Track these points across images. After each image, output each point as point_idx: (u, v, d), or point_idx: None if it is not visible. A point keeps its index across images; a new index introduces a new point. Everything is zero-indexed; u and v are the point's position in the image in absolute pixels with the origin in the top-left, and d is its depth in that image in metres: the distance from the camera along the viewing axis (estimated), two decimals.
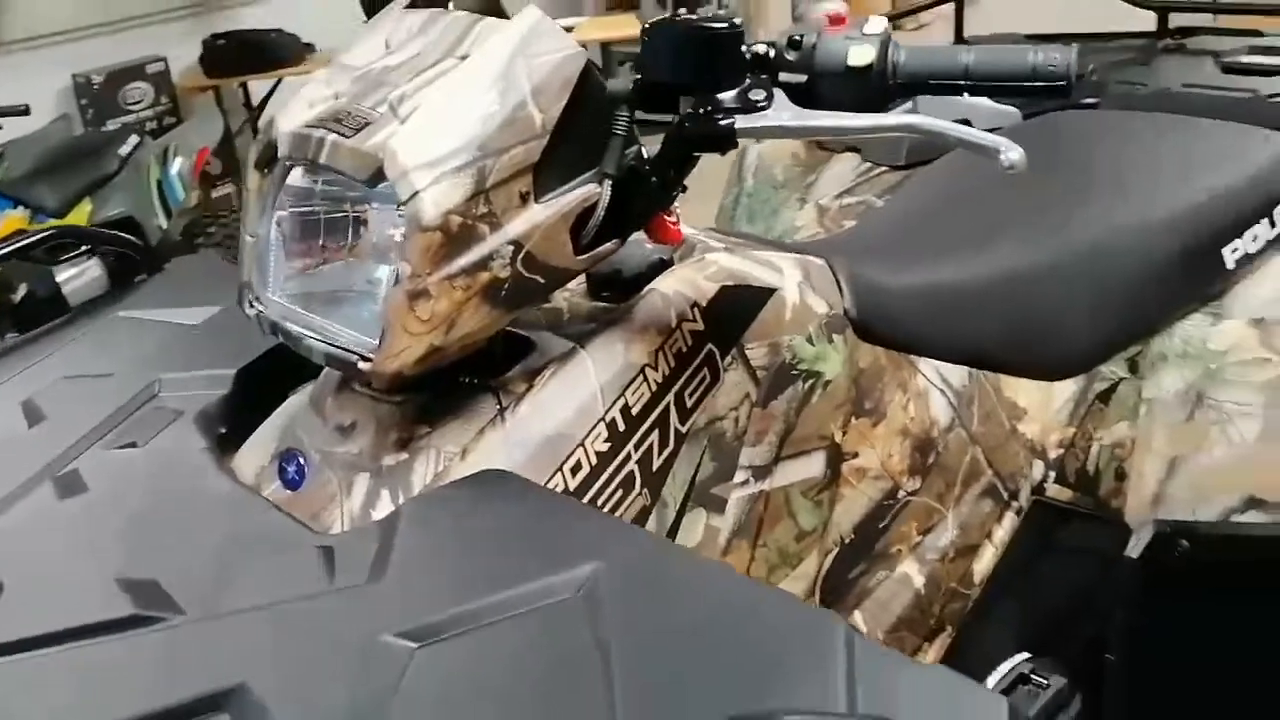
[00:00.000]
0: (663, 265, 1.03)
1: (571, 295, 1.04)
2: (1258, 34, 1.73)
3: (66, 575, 0.80)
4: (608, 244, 0.90)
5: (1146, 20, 1.74)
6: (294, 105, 0.90)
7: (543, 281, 0.87)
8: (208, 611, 0.74)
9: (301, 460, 0.93)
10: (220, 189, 4.11)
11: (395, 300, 0.82)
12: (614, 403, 0.92)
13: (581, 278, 1.01)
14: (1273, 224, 1.29)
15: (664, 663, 0.63)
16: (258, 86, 4.54)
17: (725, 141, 0.83)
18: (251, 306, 0.93)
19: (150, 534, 0.84)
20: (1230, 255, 1.26)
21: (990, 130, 0.82)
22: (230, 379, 1.03)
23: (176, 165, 3.55)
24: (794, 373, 1.01)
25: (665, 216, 0.97)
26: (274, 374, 1.04)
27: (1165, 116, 1.48)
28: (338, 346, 0.87)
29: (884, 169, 1.65)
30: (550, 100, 0.83)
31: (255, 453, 0.96)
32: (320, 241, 0.91)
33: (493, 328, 0.88)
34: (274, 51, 4.41)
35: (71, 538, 0.85)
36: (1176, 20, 1.76)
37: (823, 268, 1.08)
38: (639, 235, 0.98)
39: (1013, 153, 0.75)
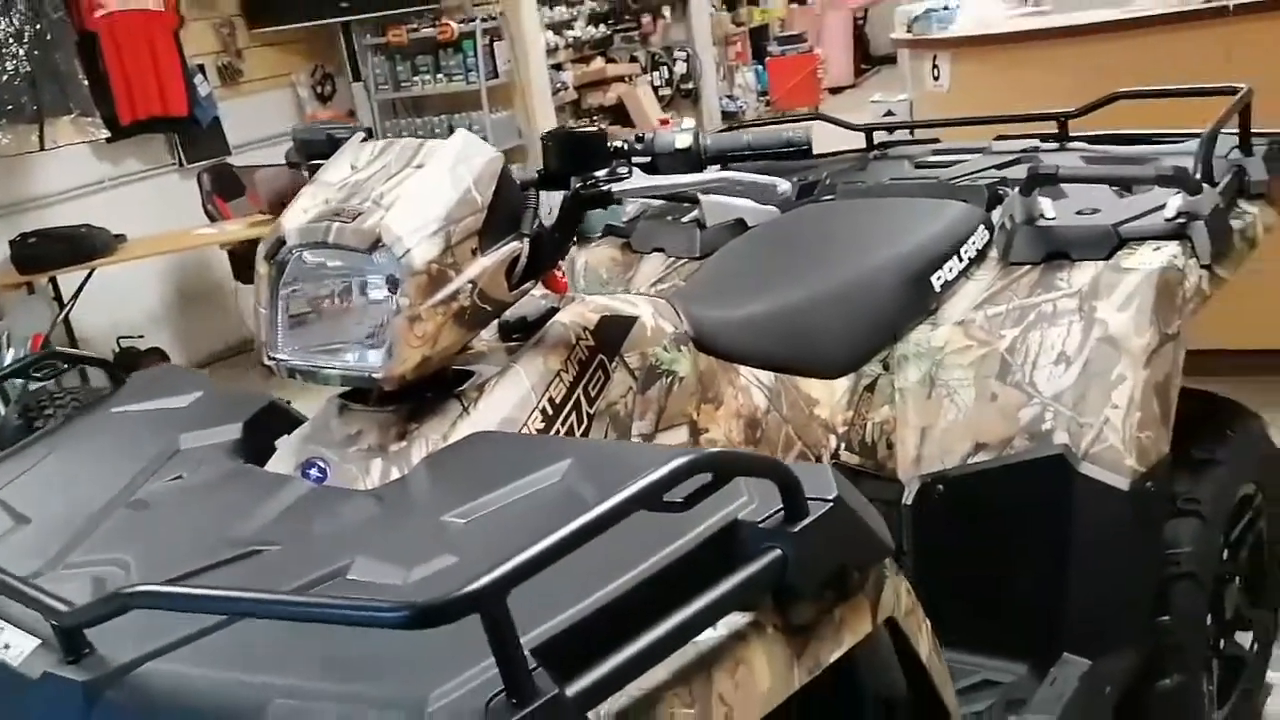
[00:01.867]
0: (552, 311, 1.44)
1: (490, 340, 1.44)
2: (938, 141, 2.38)
3: (180, 547, 1.10)
4: (528, 283, 1.32)
5: (860, 139, 2.37)
6: (293, 211, 1.29)
7: (490, 309, 1.28)
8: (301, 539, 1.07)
9: (322, 464, 1.26)
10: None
11: (399, 324, 1.20)
12: (542, 396, 1.32)
13: (494, 326, 1.41)
14: (960, 259, 1.84)
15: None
16: (69, 279, 4.70)
17: (606, 199, 1.28)
18: (270, 359, 1.28)
19: (224, 513, 1.15)
20: (936, 282, 1.80)
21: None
22: (239, 428, 1.35)
23: (9, 355, 3.68)
24: (659, 371, 1.44)
25: (556, 272, 1.41)
26: (271, 427, 1.37)
27: (882, 200, 2.06)
28: (350, 371, 1.23)
29: (685, 260, 2.14)
30: (485, 186, 1.26)
31: (280, 466, 1.29)
32: (319, 305, 1.28)
33: (461, 343, 1.27)
34: (85, 244, 4.60)
35: (168, 528, 1.15)
36: (880, 137, 2.39)
37: (666, 304, 1.53)
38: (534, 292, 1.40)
39: (783, 185, 1.23)
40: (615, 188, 1.27)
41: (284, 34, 5.92)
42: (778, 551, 0.91)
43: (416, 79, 6.33)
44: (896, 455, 1.77)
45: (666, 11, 8.16)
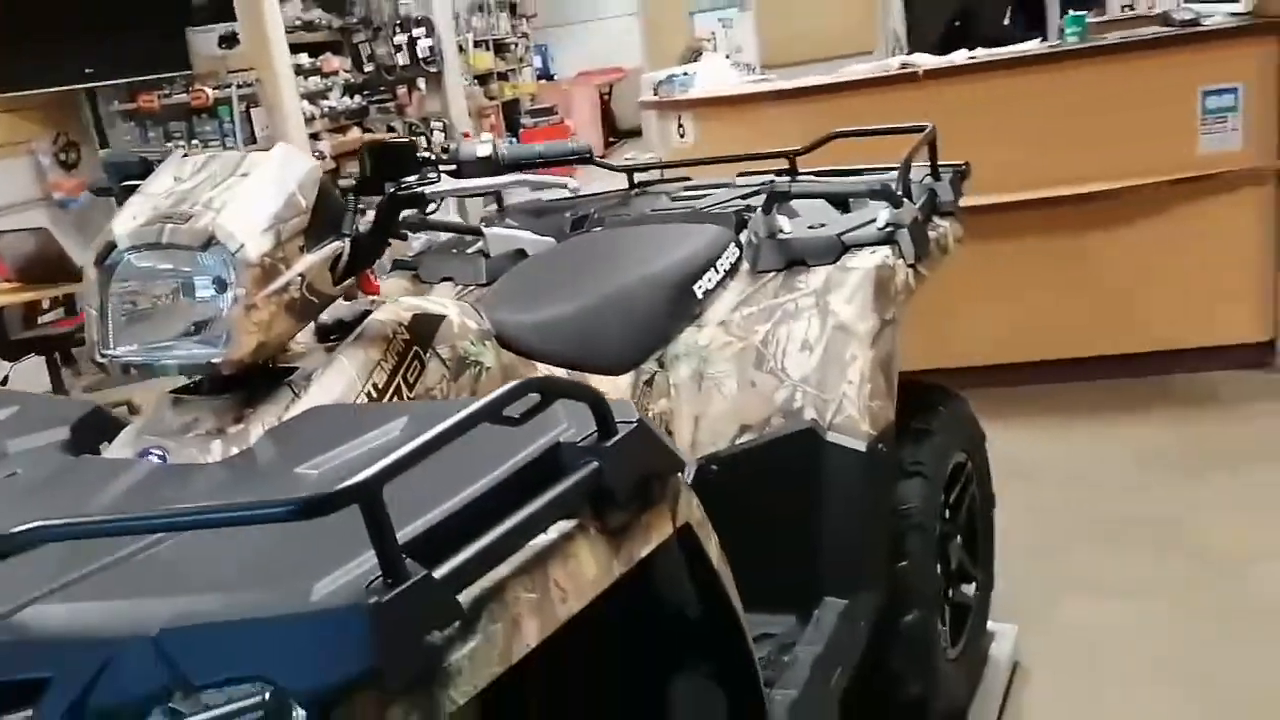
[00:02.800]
0: (366, 312, 1.59)
1: (308, 342, 1.57)
2: (689, 179, 2.71)
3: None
4: (350, 279, 1.47)
5: (623, 179, 2.67)
6: (121, 219, 1.38)
7: (317, 302, 1.42)
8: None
9: (159, 451, 1.35)
10: None
11: (236, 312, 1.32)
12: (366, 381, 1.47)
13: (311, 329, 1.54)
14: (717, 271, 2.13)
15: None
16: None
17: (420, 199, 1.45)
18: (102, 356, 1.36)
19: (72, 497, 1.22)
20: (699, 290, 2.07)
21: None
22: (67, 430, 1.41)
23: None
24: (468, 362, 1.61)
25: (370, 275, 1.56)
26: (97, 431, 1.43)
27: (647, 226, 2.33)
28: (187, 360, 1.34)
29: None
30: (308, 191, 1.40)
31: (116, 454, 1.36)
32: (152, 303, 1.38)
33: (292, 333, 1.40)
34: None
35: (13, 518, 1.20)
36: (640, 177, 2.70)
37: (469, 307, 1.71)
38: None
39: (573, 181, 1.46)
40: (428, 189, 1.45)
41: (22, 100, 5.67)
42: (595, 464, 1.11)
43: (170, 145, 6.20)
44: (676, 442, 2.01)
45: (422, 84, 8.34)
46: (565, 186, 1.46)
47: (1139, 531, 3.03)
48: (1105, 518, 3.12)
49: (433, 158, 1.47)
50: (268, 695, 0.85)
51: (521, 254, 2.27)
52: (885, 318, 1.95)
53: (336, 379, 1.44)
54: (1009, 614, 2.58)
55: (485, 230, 2.34)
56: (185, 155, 1.48)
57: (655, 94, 4.28)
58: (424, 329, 1.58)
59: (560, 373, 1.83)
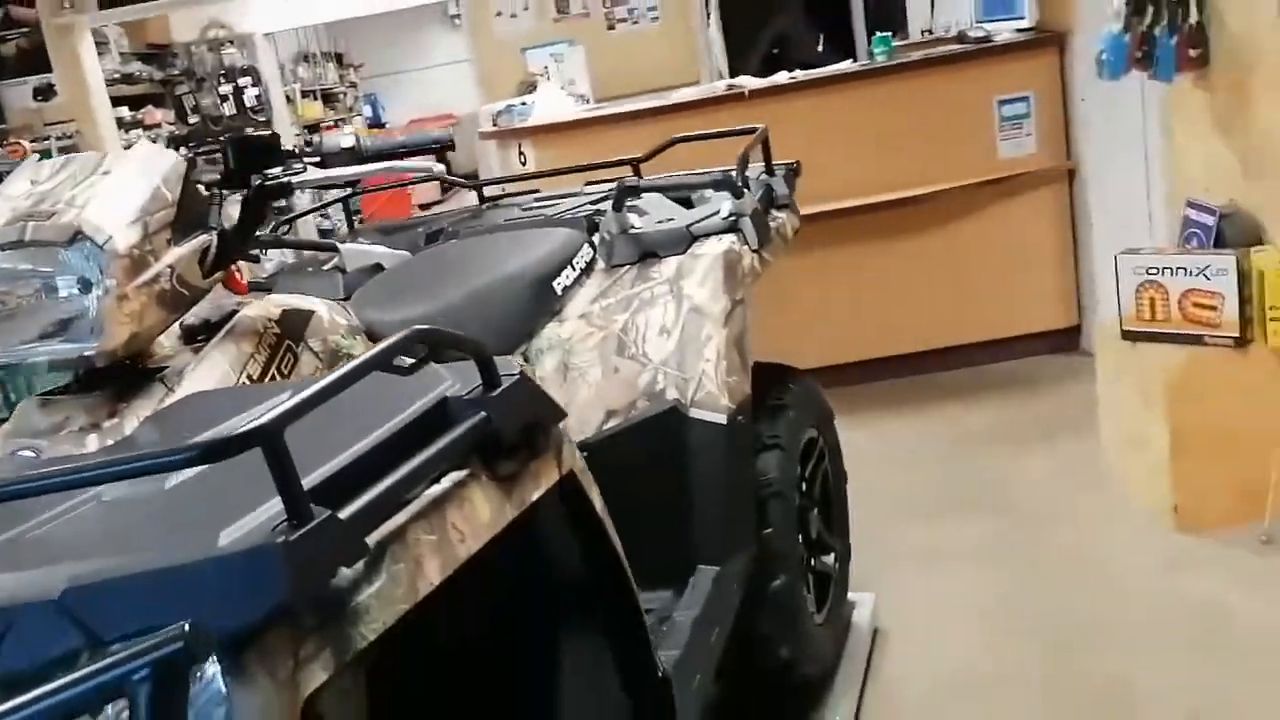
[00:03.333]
0: (233, 312, 1.61)
1: (176, 343, 1.57)
2: (537, 191, 2.80)
3: None
4: (219, 272, 1.49)
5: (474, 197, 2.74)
6: None
7: (187, 294, 1.43)
8: None
9: (31, 452, 1.33)
10: None
11: (108, 303, 1.32)
12: (240, 373, 1.48)
13: (176, 332, 1.55)
14: (574, 269, 2.21)
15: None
16: None
17: (286, 189, 1.48)
18: None
19: None
20: (558, 287, 2.16)
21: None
22: None
23: None
24: (340, 354, 1.64)
25: (236, 273, 1.58)
26: None
27: (502, 233, 2.41)
28: (58, 355, 1.33)
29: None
30: (173, 185, 1.42)
31: None
32: (14, 303, 1.36)
33: (163, 325, 1.40)
34: None
35: None
36: (490, 193, 2.77)
37: (338, 304, 1.74)
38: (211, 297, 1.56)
39: (438, 166, 1.52)
40: (295, 179, 1.48)
41: None
42: (482, 413, 1.17)
43: None
44: None
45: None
46: (430, 171, 1.52)
47: (965, 502, 3.28)
48: (935, 493, 3.36)
49: (295, 150, 1.51)
50: (186, 629, 0.87)
51: (378, 268, 2.30)
52: (736, 298, 2.08)
53: (210, 372, 1.45)
54: (864, 585, 2.73)
55: (340, 246, 2.36)
56: (40, 160, 1.47)
57: (495, 124, 4.36)
58: (294, 323, 1.60)
59: None
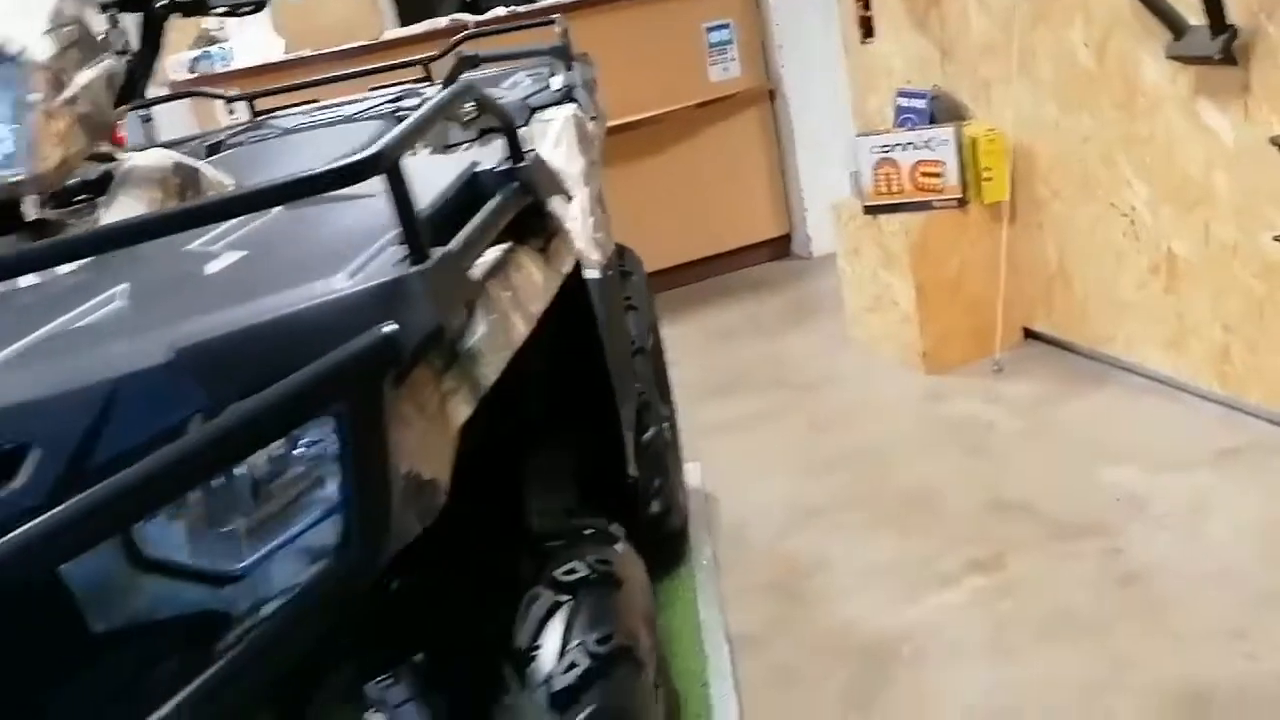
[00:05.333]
0: (108, 172, 1.45)
1: (58, 209, 1.40)
2: (314, 100, 2.67)
3: None
4: (125, 104, 1.35)
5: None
6: None
7: (102, 122, 1.29)
8: None
9: None
10: None
11: (36, 120, 1.17)
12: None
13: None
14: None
15: None
16: None
17: (201, 6, 1.37)
18: None
19: None
20: None
21: None
22: None
23: None
24: None
25: (116, 126, 1.43)
26: None
27: (305, 133, 2.29)
28: None
29: None
30: (74, 3, 1.27)
31: None
32: None
33: (87, 151, 1.26)
34: None
35: None
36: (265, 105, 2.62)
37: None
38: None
39: None
40: None
41: None
42: (516, 182, 1.17)
43: None
44: None
45: None
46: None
47: (740, 383, 3.59)
48: (711, 379, 3.63)
49: None
50: (383, 334, 0.83)
51: None
52: (591, 159, 2.14)
53: (129, 208, 1.32)
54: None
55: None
56: None
57: (192, 72, 4.05)
58: (188, 175, 1.48)
59: None
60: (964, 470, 2.74)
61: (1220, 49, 2.23)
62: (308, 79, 2.67)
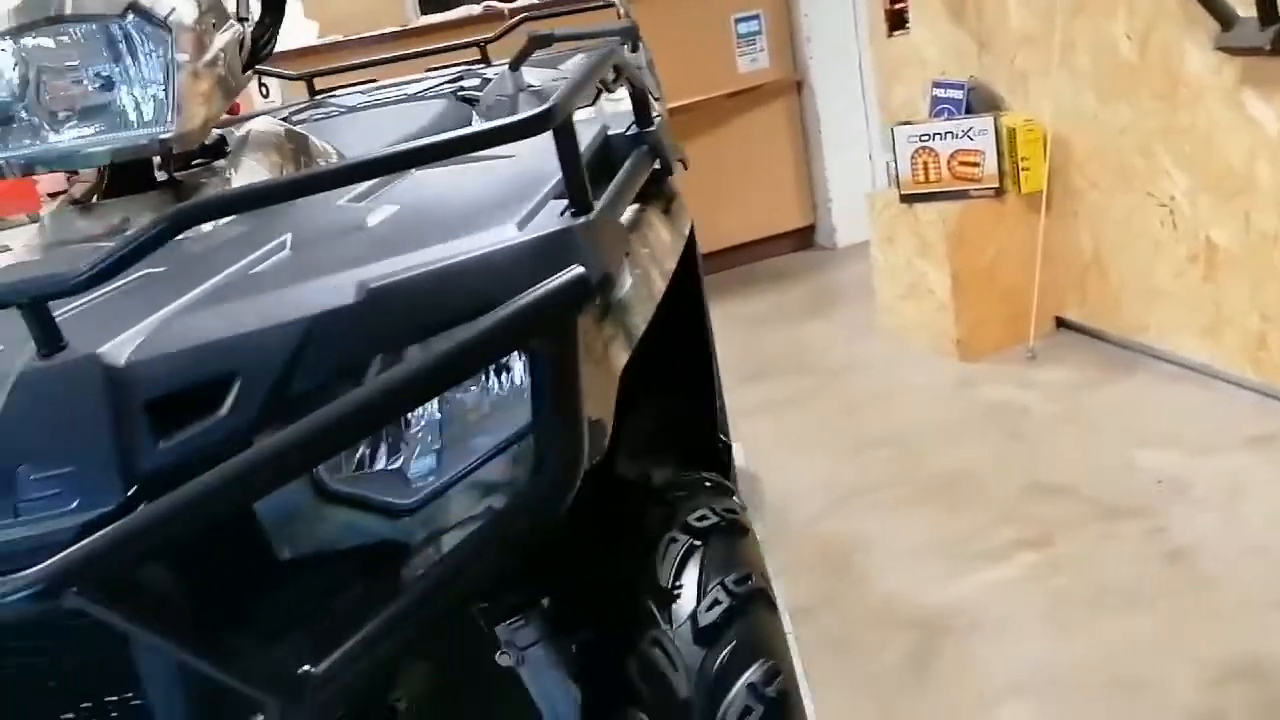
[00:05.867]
0: (222, 138, 1.49)
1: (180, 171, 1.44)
2: (374, 80, 2.71)
3: None
4: (251, 69, 1.39)
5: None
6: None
7: (234, 84, 1.33)
8: None
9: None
10: None
11: (184, 80, 1.21)
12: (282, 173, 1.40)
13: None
14: None
15: None
16: None
17: None
18: None
19: None
20: None
21: None
22: None
23: None
24: None
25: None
26: None
27: (376, 111, 2.33)
28: (124, 143, 1.19)
29: None
30: None
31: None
32: (55, 92, 1.20)
33: (222, 112, 1.30)
34: None
35: None
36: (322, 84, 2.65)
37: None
38: None
39: None
40: None
41: None
42: (644, 146, 1.22)
43: None
44: None
45: None
46: None
47: (768, 369, 3.64)
48: (739, 365, 3.66)
49: None
50: (578, 274, 0.87)
51: None
52: None
53: (256, 172, 1.36)
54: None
55: None
56: None
57: None
58: (300, 142, 1.52)
59: None
60: (1001, 453, 2.80)
61: (1271, 40, 2.29)
62: (361, 60, 2.71)
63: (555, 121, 0.95)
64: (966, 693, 1.97)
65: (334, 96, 2.62)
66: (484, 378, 0.95)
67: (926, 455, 2.86)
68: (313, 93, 2.65)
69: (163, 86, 1.22)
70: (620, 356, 1.00)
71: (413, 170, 1.20)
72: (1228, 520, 2.34)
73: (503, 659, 1.14)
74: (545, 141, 1.16)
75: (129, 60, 1.23)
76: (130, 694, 0.91)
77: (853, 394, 3.33)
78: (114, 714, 0.92)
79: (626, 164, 1.15)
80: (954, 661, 2.06)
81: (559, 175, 1.05)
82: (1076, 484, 2.58)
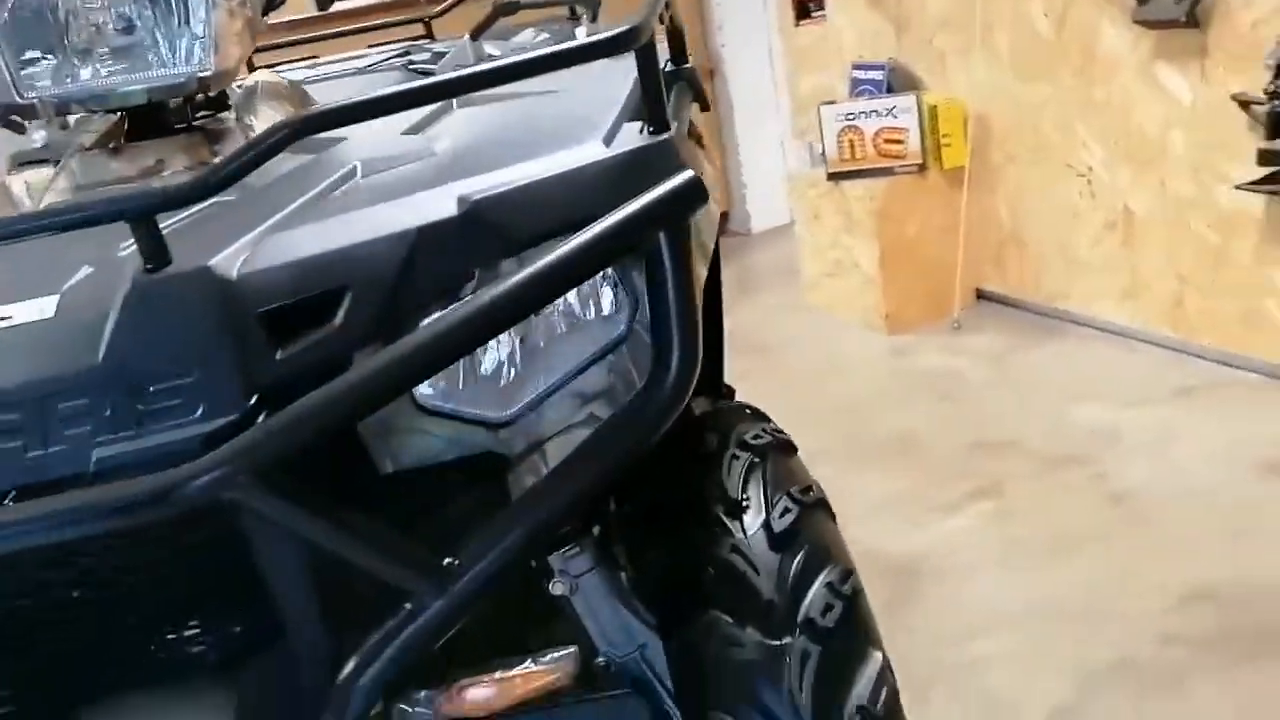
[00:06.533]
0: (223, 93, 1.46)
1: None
2: (315, 56, 2.66)
3: None
4: (267, 14, 1.36)
5: None
6: None
7: (259, 25, 1.30)
8: None
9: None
10: None
11: (221, 18, 1.18)
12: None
13: None
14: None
15: None
16: None
17: None
18: (22, 99, 1.12)
19: None
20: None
21: None
22: None
23: None
24: None
25: None
26: None
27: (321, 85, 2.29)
28: (158, 82, 1.16)
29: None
30: None
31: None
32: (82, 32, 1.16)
33: (249, 51, 1.27)
34: None
35: None
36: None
37: None
38: None
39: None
40: None
41: None
42: (683, 81, 1.25)
43: None
44: None
45: None
46: None
47: None
48: None
49: None
50: (689, 179, 0.88)
51: None
52: None
53: (273, 120, 1.33)
54: None
55: None
56: None
57: None
58: (301, 93, 1.50)
59: None
60: (943, 415, 2.92)
61: (1185, 12, 2.45)
62: (303, 36, 2.66)
63: (640, 40, 0.97)
64: (945, 628, 2.05)
65: (278, 73, 2.57)
66: (574, 293, 0.97)
67: (872, 421, 2.96)
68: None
69: (203, 23, 1.19)
70: (701, 271, 1.02)
71: (454, 107, 1.21)
72: (1162, 464, 2.49)
73: (556, 587, 1.15)
74: (583, 80, 1.18)
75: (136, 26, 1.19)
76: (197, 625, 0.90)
77: (790, 369, 3.42)
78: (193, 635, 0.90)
79: (673, 95, 1.18)
80: (930, 603, 2.15)
81: (618, 104, 1.08)
82: (1017, 439, 2.71)
